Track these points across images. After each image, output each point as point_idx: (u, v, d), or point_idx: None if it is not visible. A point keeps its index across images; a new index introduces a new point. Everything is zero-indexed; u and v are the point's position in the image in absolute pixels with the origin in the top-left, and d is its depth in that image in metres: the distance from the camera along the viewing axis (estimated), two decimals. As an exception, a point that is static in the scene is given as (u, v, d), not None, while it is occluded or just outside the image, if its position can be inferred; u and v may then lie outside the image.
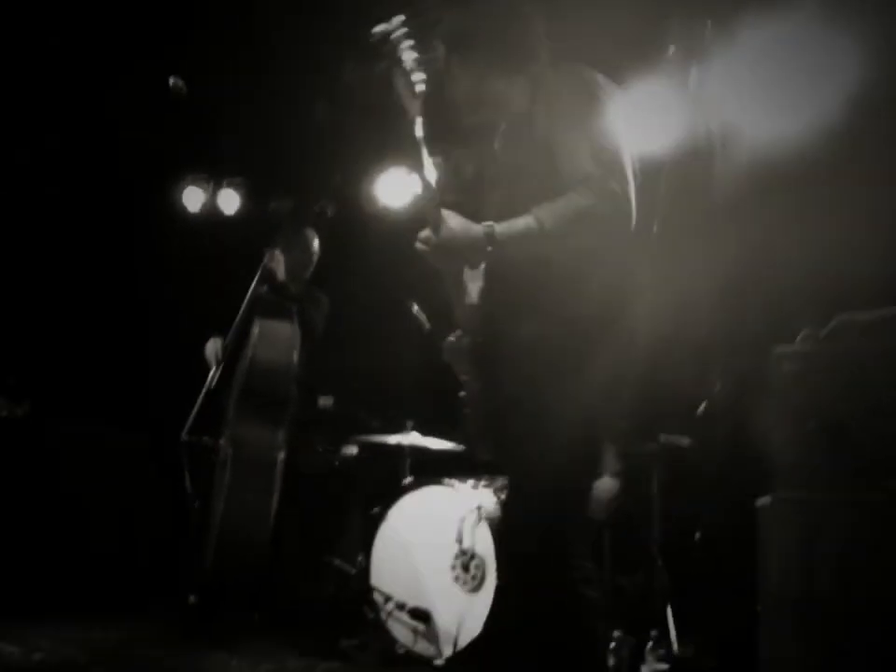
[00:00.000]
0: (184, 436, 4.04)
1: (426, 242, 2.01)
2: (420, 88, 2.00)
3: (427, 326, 4.37)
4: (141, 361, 6.00)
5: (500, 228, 1.98)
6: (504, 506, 2.15)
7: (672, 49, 3.93)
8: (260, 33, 4.91)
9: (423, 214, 2.05)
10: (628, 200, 1.99)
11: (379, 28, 2.01)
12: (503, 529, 2.10)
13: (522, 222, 1.97)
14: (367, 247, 5.44)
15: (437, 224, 1.98)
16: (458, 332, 2.18)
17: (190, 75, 3.23)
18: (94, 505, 4.74)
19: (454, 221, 1.99)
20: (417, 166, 2.03)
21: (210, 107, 5.17)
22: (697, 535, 3.93)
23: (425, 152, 2.02)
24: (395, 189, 5.65)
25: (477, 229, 1.99)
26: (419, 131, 2.02)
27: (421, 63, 2.00)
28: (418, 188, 5.55)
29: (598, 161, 1.97)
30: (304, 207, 4.43)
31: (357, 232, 5.59)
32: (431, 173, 2.01)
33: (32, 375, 5.72)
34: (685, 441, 4.12)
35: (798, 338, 3.05)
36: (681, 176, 3.63)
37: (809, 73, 3.75)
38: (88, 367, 6.03)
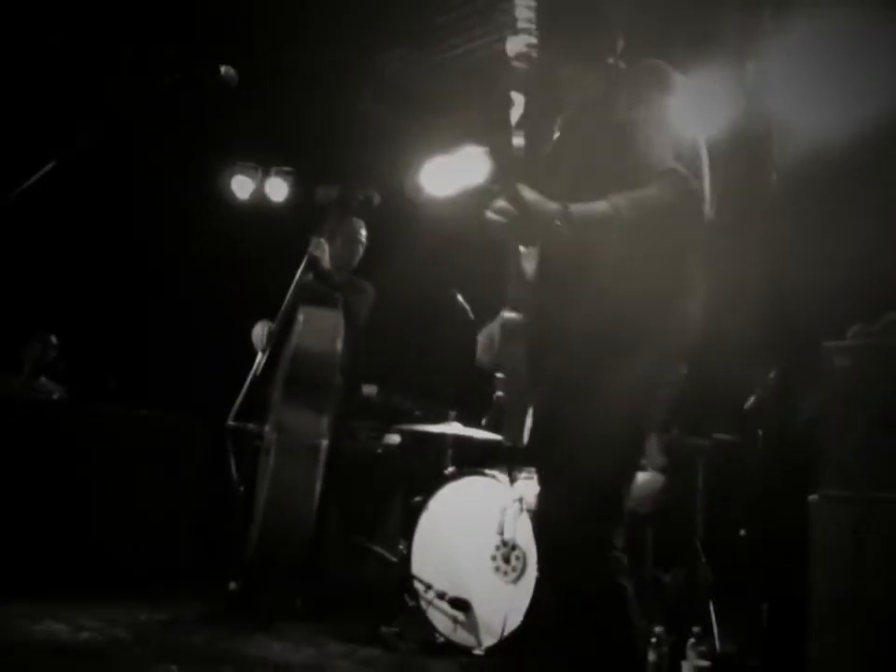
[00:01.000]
0: (230, 422, 4.08)
1: (501, 212, 1.99)
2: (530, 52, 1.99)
3: (471, 315, 4.36)
4: (188, 347, 6.09)
5: (575, 208, 1.96)
6: (540, 494, 2.12)
7: (730, 40, 3.87)
8: (308, 23, 4.93)
9: (499, 185, 2.03)
10: (705, 198, 1.97)
11: None
12: (536, 517, 2.07)
13: (599, 207, 1.95)
14: (412, 236, 5.45)
15: (514, 195, 1.97)
16: (512, 311, 2.14)
17: (240, 64, 3.24)
18: (140, 489, 4.81)
19: (529, 194, 1.98)
20: (502, 139, 2.03)
21: (259, 97, 5.20)
22: (742, 531, 3.88)
23: (515, 126, 2.00)
24: (440, 177, 5.65)
25: (552, 205, 1.97)
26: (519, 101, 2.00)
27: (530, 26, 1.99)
28: (466, 177, 5.55)
29: (680, 156, 1.95)
30: (350, 196, 4.43)
31: (403, 221, 5.59)
32: (518, 146, 2.00)
33: (81, 359, 5.84)
34: (732, 436, 4.06)
35: (849, 333, 2.99)
36: (736, 168, 3.57)
37: (867, 65, 3.67)
38: (135, 351, 6.13)
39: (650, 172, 1.95)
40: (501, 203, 2.00)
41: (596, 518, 1.95)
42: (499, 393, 2.09)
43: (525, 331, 2.06)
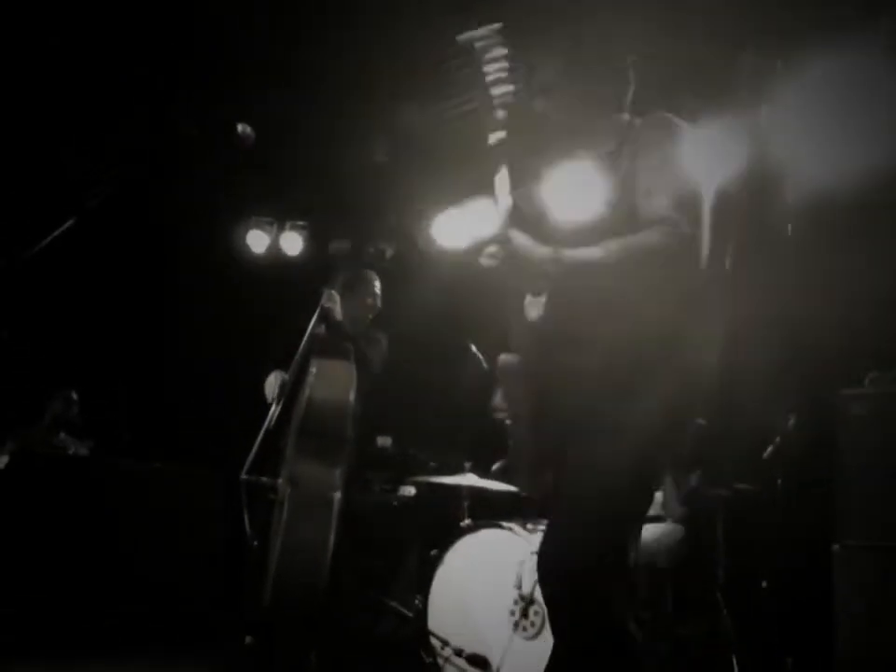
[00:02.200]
0: (243, 475, 4.07)
1: (493, 255, 2.07)
2: (505, 100, 2.05)
3: (485, 365, 4.36)
4: (202, 398, 6.10)
5: (567, 253, 2.03)
6: (543, 540, 2.12)
7: (744, 86, 3.93)
8: (322, 77, 5.02)
9: (493, 232, 2.09)
10: (699, 241, 2.02)
11: (464, 35, 2.07)
12: (538, 562, 2.06)
13: (590, 251, 2.02)
14: (424, 288, 5.48)
15: (504, 239, 2.03)
16: (512, 354, 2.18)
17: (255, 121, 3.31)
18: (153, 542, 4.79)
19: (521, 239, 2.05)
20: (491, 184, 2.08)
21: (274, 152, 5.28)
22: (764, 582, 3.81)
23: (501, 169, 2.05)
24: (452, 230, 5.69)
25: (543, 249, 2.04)
26: (496, 143, 2.06)
27: (509, 77, 2.05)
28: (477, 229, 5.59)
29: (676, 205, 2.00)
30: (362, 248, 4.47)
31: (415, 273, 5.63)
32: (504, 191, 2.05)
33: (96, 413, 5.86)
34: (752, 485, 4.02)
35: (867, 380, 2.97)
36: (751, 213, 3.60)
37: (879, 111, 3.70)
38: (149, 403, 6.15)
39: (645, 220, 2.01)
40: (491, 248, 2.07)
41: (595, 561, 1.93)
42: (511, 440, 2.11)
43: (522, 372, 2.09)
